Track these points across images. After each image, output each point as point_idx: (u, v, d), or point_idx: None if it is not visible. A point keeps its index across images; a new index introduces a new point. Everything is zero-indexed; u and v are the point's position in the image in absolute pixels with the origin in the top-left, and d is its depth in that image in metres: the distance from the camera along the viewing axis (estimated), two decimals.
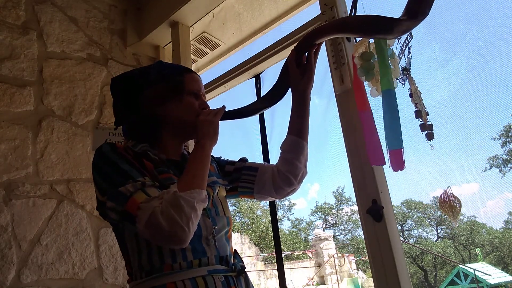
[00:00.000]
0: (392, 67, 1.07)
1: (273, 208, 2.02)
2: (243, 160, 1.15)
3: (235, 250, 1.00)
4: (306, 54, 1.09)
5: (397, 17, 0.92)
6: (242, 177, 1.10)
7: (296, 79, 1.08)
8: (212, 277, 0.85)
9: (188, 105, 1.00)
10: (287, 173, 1.07)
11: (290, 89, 1.12)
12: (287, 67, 1.11)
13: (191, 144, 1.58)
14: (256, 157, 1.47)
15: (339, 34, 1.13)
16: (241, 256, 1.03)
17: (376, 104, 1.14)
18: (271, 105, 1.13)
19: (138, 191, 0.80)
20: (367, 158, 1.15)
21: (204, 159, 0.91)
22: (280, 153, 1.12)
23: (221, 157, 1.17)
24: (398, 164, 1.00)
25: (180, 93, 1.00)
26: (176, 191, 0.80)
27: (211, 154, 1.12)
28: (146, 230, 0.77)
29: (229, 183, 1.10)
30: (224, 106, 1.03)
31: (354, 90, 1.23)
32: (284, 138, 1.12)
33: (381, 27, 0.93)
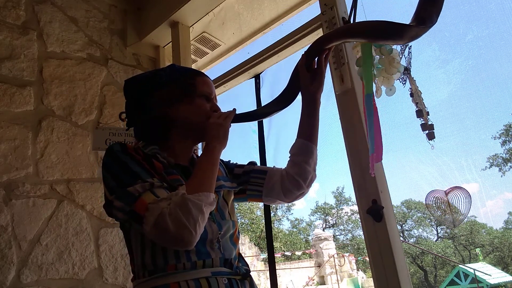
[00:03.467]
0: (380, 66, 1.07)
1: (267, 211, 2.01)
2: (252, 163, 1.15)
3: (239, 253, 1.00)
4: (316, 59, 1.10)
5: (407, 23, 0.93)
6: (251, 180, 1.11)
7: (306, 83, 1.09)
8: (216, 279, 0.85)
9: (199, 107, 1.01)
10: (296, 176, 1.07)
11: (300, 93, 1.13)
12: (298, 71, 1.11)
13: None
14: (254, 157, 1.47)
15: (349, 39, 1.14)
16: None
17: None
18: (281, 108, 1.14)
19: (147, 191, 0.81)
20: (376, 157, 1.15)
21: (213, 163, 0.91)
22: (290, 157, 1.12)
23: (229, 160, 1.17)
24: (371, 167, 1.02)
25: (191, 95, 1.00)
26: (184, 194, 0.81)
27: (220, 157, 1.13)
28: (153, 231, 0.77)
29: (238, 186, 1.10)
30: (234, 109, 1.04)
31: (363, 93, 1.24)
32: (294, 141, 1.12)
33: (391, 33, 0.94)
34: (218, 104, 1.08)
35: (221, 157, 1.12)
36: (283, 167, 1.13)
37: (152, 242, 0.86)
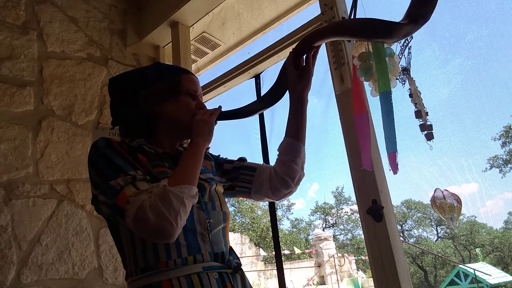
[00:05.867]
0: (391, 66, 1.07)
1: (272, 208, 2.03)
2: (242, 160, 1.15)
3: (230, 247, 1.00)
4: (304, 56, 1.10)
5: (398, 20, 0.92)
6: (240, 177, 1.11)
7: (294, 81, 1.09)
8: (207, 274, 0.85)
9: (184, 105, 1.01)
10: (283, 175, 1.08)
11: (287, 91, 1.12)
12: (285, 69, 1.11)
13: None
14: (256, 157, 1.47)
15: (337, 37, 1.12)
16: (241, 256, 1.03)
17: (375, 104, 1.14)
18: (267, 106, 1.14)
19: (128, 185, 0.81)
20: (374, 158, 1.15)
21: (196, 157, 0.91)
22: (277, 155, 1.12)
23: (219, 155, 1.17)
24: (393, 167, 1.01)
25: (177, 93, 1.01)
26: (165, 185, 0.80)
27: (210, 152, 1.14)
28: (134, 223, 0.77)
29: (227, 182, 1.10)
30: (220, 106, 1.04)
31: (352, 92, 1.24)
32: (282, 140, 1.12)
33: (380, 31, 0.92)
34: (219, 104, 1.09)
35: (211, 152, 1.13)
36: (273, 165, 1.13)
37: (142, 238, 0.86)
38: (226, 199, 1.09)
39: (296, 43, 1.10)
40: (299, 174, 1.09)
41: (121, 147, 0.90)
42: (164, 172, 0.90)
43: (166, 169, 0.92)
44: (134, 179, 0.82)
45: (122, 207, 0.79)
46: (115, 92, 1.05)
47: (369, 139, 1.10)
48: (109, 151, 0.88)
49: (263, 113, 2.07)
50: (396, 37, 0.91)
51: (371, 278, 3.24)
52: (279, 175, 1.08)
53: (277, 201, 1.36)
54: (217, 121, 1.03)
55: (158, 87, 1.01)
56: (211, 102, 2.45)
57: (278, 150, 1.12)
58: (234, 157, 1.18)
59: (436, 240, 22.76)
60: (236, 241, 13.42)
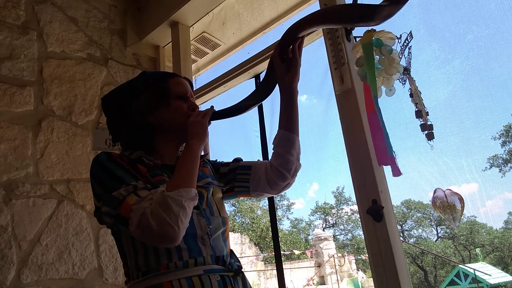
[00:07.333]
0: (388, 65, 1.07)
1: (272, 208, 2.02)
2: (237, 160, 1.16)
3: (231, 250, 1.01)
4: (290, 48, 1.11)
5: (378, 3, 0.93)
6: (237, 177, 1.12)
7: (282, 73, 1.10)
8: (208, 277, 0.86)
9: (177, 109, 1.02)
10: (279, 167, 1.08)
11: (277, 84, 1.14)
12: (273, 63, 1.13)
13: None
14: (256, 157, 1.47)
15: (321, 25, 1.13)
16: (241, 256, 1.03)
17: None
18: (259, 102, 1.16)
19: (131, 194, 0.83)
20: (375, 158, 1.15)
21: (192, 159, 0.93)
22: (272, 148, 1.13)
23: (216, 160, 1.18)
24: (394, 170, 1.02)
25: (167, 98, 1.02)
26: (163, 191, 0.82)
27: (208, 158, 1.15)
28: (137, 231, 0.79)
29: (225, 184, 1.11)
30: (212, 107, 1.06)
31: (364, 93, 1.24)
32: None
33: (361, 14, 0.94)
34: (220, 103, 1.09)
35: (211, 156, 1.14)
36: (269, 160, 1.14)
37: (143, 244, 0.88)
38: (225, 200, 1.11)
39: (281, 36, 1.10)
40: (295, 165, 1.10)
41: (121, 160, 0.92)
42: (164, 181, 0.91)
43: (165, 178, 0.93)
44: (136, 188, 0.84)
45: (125, 216, 0.80)
46: (109, 109, 1.07)
47: (383, 137, 1.10)
48: (111, 164, 0.90)
49: (262, 113, 2.07)
50: (379, 19, 0.93)
51: (371, 278, 3.24)
52: (275, 168, 1.09)
53: (277, 200, 1.36)
54: (211, 121, 1.04)
55: (147, 96, 1.02)
56: (211, 102, 2.45)
57: (272, 143, 1.13)
58: (233, 158, 1.18)
59: (436, 240, 22.75)
60: (236, 241, 13.41)
